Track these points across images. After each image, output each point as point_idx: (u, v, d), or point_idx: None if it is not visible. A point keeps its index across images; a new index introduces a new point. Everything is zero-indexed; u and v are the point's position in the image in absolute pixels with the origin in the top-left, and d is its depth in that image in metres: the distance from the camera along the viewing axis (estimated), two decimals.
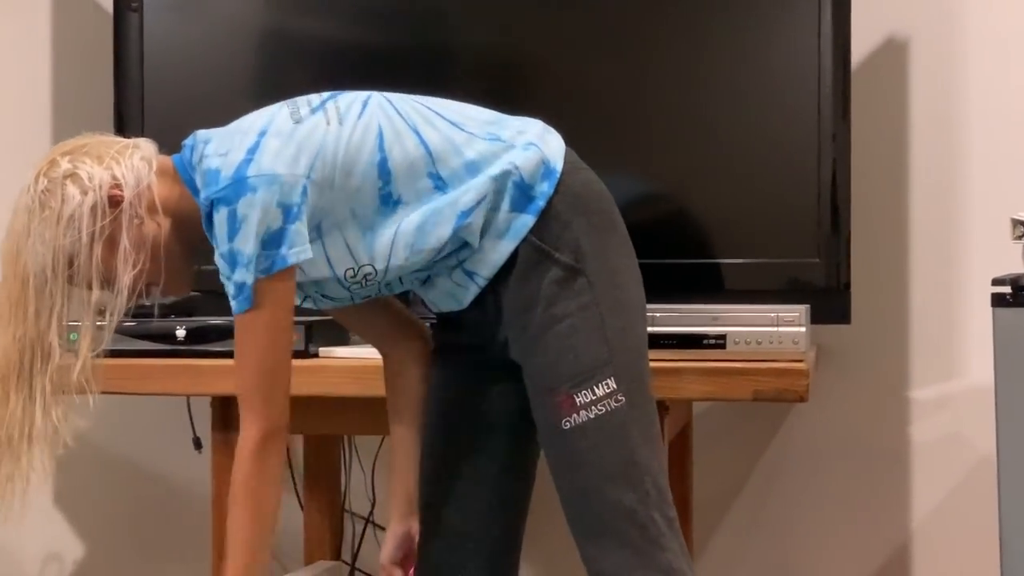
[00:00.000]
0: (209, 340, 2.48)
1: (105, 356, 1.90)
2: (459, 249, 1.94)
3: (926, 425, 2.94)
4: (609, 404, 1.90)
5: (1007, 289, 2.25)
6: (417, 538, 2.10)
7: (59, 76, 3.06)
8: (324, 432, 2.82)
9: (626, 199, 2.05)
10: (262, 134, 1.88)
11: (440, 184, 1.92)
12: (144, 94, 2.77)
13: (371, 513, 3.04)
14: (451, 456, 2.07)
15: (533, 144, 1.96)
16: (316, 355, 2.45)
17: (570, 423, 1.91)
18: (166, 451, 3.11)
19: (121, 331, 2.08)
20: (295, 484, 3.05)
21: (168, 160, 1.95)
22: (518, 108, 2.05)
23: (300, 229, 1.86)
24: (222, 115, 1.98)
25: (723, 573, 3.00)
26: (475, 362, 2.04)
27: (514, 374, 1.98)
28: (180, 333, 2.48)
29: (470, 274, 1.96)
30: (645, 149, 2.68)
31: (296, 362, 2.37)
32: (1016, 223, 2.33)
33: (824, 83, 2.58)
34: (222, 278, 1.88)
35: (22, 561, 3.00)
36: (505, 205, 1.93)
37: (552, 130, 2.01)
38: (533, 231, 1.93)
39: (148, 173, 1.90)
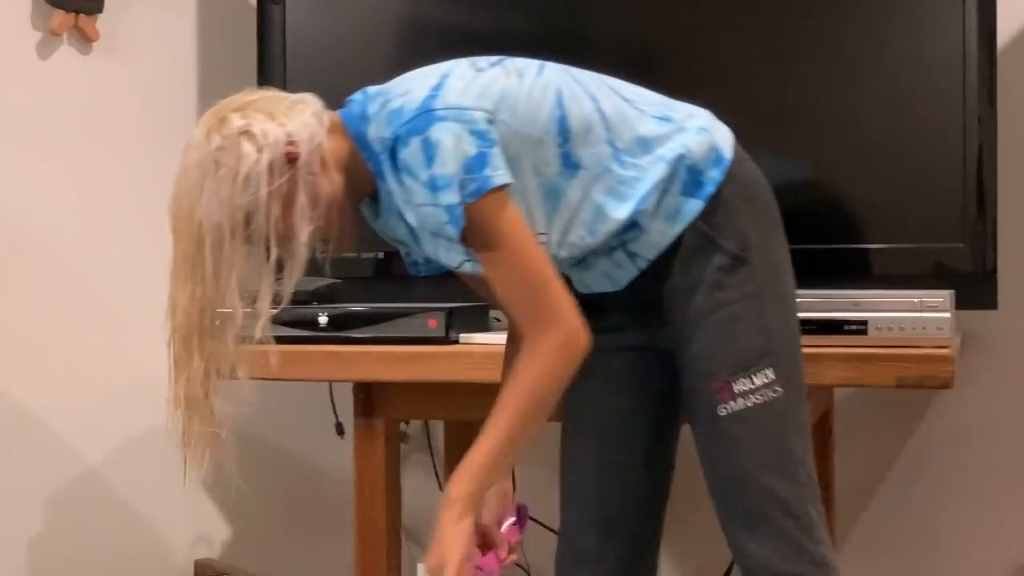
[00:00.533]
0: (351, 327, 2.51)
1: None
2: (626, 230, 1.93)
3: None
4: (767, 394, 1.90)
5: None
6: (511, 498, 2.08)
7: (204, 70, 3.11)
8: (465, 418, 2.84)
9: (771, 185, 2.03)
10: (444, 76, 1.87)
11: (616, 153, 1.90)
12: (287, 87, 2.80)
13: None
14: (593, 442, 2.07)
15: (704, 129, 1.95)
16: (456, 341, 2.47)
17: (726, 410, 1.90)
18: (309, 436, 3.15)
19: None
20: (436, 468, 3.08)
21: (336, 116, 1.92)
22: (662, 94, 2.02)
23: (499, 153, 1.83)
24: None
25: (865, 562, 2.97)
26: (616, 348, 2.03)
27: (657, 360, 1.98)
28: (322, 319, 2.51)
29: (632, 255, 1.95)
30: (790, 134, 2.66)
31: (436, 348, 2.42)
32: None
33: (969, 66, 2.54)
34: (421, 209, 1.82)
35: (174, 544, 3.07)
36: (676, 188, 1.92)
37: (719, 121, 2.00)
38: (701, 216, 1.92)
39: (320, 129, 1.87)
